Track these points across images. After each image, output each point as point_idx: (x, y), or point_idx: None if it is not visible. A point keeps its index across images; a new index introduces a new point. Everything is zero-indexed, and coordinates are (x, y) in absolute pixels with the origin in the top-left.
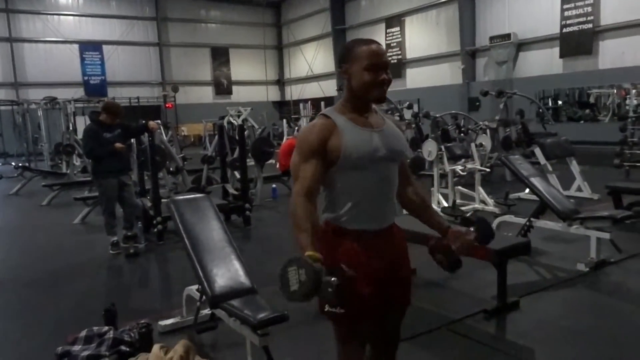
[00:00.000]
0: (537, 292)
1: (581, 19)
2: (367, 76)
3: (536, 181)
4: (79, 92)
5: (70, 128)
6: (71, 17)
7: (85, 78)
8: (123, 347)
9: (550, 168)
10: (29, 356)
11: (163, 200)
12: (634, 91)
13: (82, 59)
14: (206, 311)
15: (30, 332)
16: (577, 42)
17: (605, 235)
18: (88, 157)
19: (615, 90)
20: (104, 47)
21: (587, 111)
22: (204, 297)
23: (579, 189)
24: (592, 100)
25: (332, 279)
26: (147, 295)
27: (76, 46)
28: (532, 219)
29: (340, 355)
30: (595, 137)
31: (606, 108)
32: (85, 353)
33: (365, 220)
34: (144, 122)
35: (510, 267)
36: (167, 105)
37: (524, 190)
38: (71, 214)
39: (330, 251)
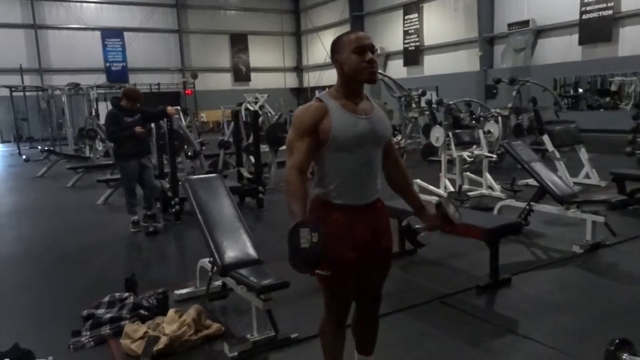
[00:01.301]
0: (530, 270)
1: (601, 5)
2: (356, 58)
3: (536, 166)
4: (101, 79)
5: (93, 113)
6: (93, 5)
7: (107, 64)
8: (142, 311)
9: (558, 155)
10: (57, 318)
11: (180, 182)
12: None
13: (104, 46)
14: (217, 282)
15: (58, 298)
16: (597, 29)
17: (600, 219)
18: (110, 140)
19: (636, 78)
20: (125, 33)
21: (608, 99)
22: (215, 268)
23: (587, 176)
24: (613, 88)
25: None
26: (164, 268)
27: (98, 33)
28: (531, 203)
29: (326, 311)
30: (615, 125)
31: (628, 96)
32: (108, 315)
33: (351, 196)
34: (162, 107)
35: (507, 248)
36: (186, 92)
37: (531, 178)
38: (94, 195)
39: (320, 221)
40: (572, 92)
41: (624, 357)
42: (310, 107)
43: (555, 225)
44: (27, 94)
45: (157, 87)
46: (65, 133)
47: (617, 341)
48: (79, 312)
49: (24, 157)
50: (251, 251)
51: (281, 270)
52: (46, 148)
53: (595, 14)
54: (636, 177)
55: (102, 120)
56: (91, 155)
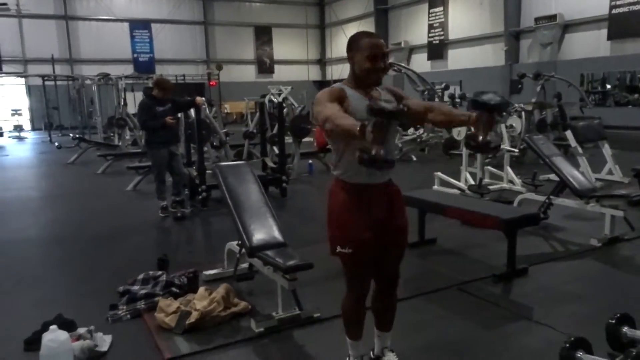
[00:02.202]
0: (547, 262)
1: (632, 0)
2: (368, 64)
3: (557, 160)
4: (129, 69)
5: (122, 103)
6: None
7: (135, 55)
8: (174, 289)
9: (580, 151)
10: (95, 293)
11: (207, 171)
12: None
13: (132, 37)
14: (244, 265)
15: (95, 275)
16: (627, 24)
17: (619, 213)
18: (142, 128)
19: None
20: (152, 25)
21: (637, 96)
22: (243, 250)
23: (610, 172)
24: None
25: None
26: (193, 250)
27: (126, 24)
28: (551, 196)
29: (348, 289)
30: None
31: None
32: (143, 291)
33: (365, 175)
34: (191, 98)
35: (526, 240)
36: (211, 83)
37: (552, 172)
38: (124, 181)
39: (338, 201)
40: (599, 88)
41: (624, 330)
42: (333, 88)
43: (574, 220)
44: (58, 83)
45: (182, 78)
46: (94, 122)
47: (618, 315)
48: (115, 288)
49: (56, 144)
50: (277, 234)
51: (305, 253)
52: (77, 136)
53: (625, 9)
54: None
55: (130, 110)
56: (120, 144)
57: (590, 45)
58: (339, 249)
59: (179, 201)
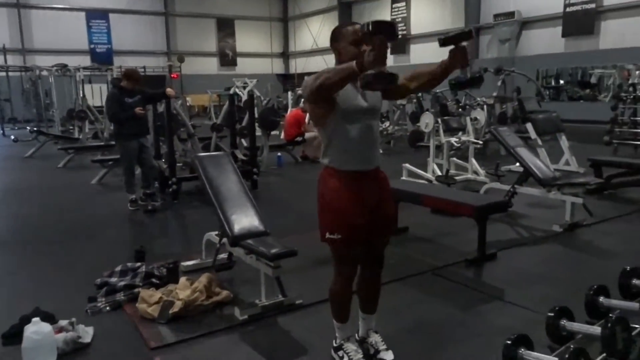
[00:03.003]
0: (514, 247)
1: None
2: (352, 49)
3: (521, 151)
4: (86, 60)
5: (82, 95)
6: None
7: (92, 46)
8: (154, 280)
9: (540, 142)
10: (71, 287)
11: (178, 164)
12: (637, 72)
13: (89, 27)
14: (222, 255)
15: (68, 269)
16: (580, 22)
17: (579, 201)
18: (111, 120)
19: (616, 71)
20: (111, 15)
21: (588, 91)
22: (223, 240)
23: (567, 163)
24: (593, 80)
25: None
26: (168, 242)
27: (83, 14)
28: (515, 185)
29: (336, 273)
30: (593, 116)
31: (607, 89)
32: (122, 283)
33: (354, 162)
34: (162, 89)
35: (493, 227)
36: (172, 76)
37: (514, 164)
38: (87, 175)
39: (328, 188)
40: (553, 84)
41: (600, 300)
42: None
43: (537, 207)
44: (10, 74)
45: (142, 70)
46: (52, 115)
47: (595, 287)
48: (91, 281)
49: (12, 137)
50: (258, 223)
51: (285, 242)
52: (35, 129)
53: (578, 7)
54: (612, 164)
55: (90, 102)
56: (80, 137)
57: (546, 41)
58: (328, 235)
59: (149, 194)
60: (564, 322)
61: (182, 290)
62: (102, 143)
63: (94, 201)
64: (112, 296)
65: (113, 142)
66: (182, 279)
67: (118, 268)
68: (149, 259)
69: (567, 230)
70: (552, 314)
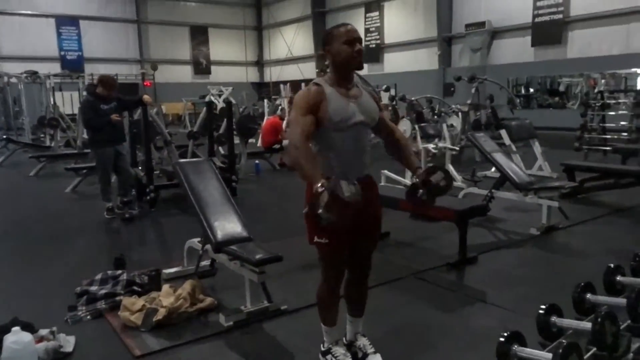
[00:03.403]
0: (494, 250)
1: (552, 9)
2: (347, 48)
3: (497, 156)
4: (56, 67)
5: (53, 102)
6: None
7: (62, 53)
8: (135, 287)
9: (514, 148)
10: (49, 296)
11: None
12: (603, 81)
13: (59, 34)
14: (204, 262)
15: (45, 278)
16: (548, 32)
17: (555, 204)
18: (86, 127)
19: (583, 79)
20: (81, 22)
21: (557, 99)
22: (205, 246)
23: (540, 168)
24: (562, 88)
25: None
26: (147, 250)
27: (52, 20)
28: (493, 190)
29: (324, 277)
30: (562, 123)
31: (575, 96)
32: (103, 291)
33: (345, 171)
34: (139, 95)
35: (472, 231)
36: (145, 84)
37: (490, 169)
38: (61, 183)
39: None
40: (523, 92)
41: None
42: (311, 90)
43: (513, 211)
44: None
45: (115, 77)
46: (22, 122)
47: (582, 284)
48: (69, 290)
49: None
50: (242, 230)
51: (269, 248)
52: (4, 137)
53: (546, 17)
54: (585, 168)
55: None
56: (52, 145)
57: (517, 51)
58: (316, 238)
59: (126, 202)
60: (554, 318)
61: (166, 298)
62: (75, 151)
63: (69, 210)
64: (92, 305)
65: (86, 150)
66: (165, 286)
67: (98, 276)
68: (129, 268)
69: (544, 233)
70: (543, 311)
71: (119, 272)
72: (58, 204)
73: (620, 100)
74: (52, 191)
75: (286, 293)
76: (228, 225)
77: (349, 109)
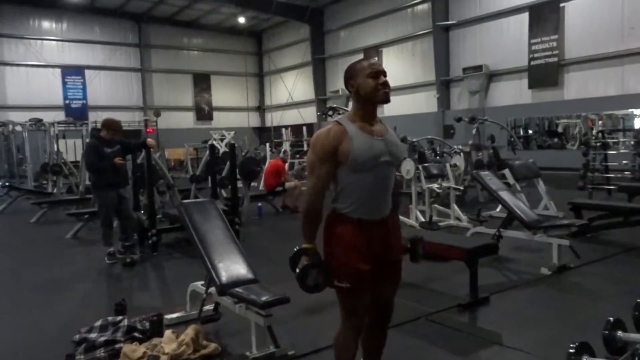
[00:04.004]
0: (505, 290)
1: (547, 53)
2: (371, 81)
3: (504, 195)
4: (60, 116)
5: (56, 149)
6: (54, 42)
7: (67, 102)
8: (136, 334)
9: (518, 188)
10: (47, 344)
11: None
12: (600, 122)
13: (64, 83)
14: (208, 307)
15: (43, 326)
16: (544, 74)
17: (565, 242)
18: (90, 170)
19: (581, 121)
20: (86, 71)
21: (556, 140)
22: (209, 289)
23: (546, 208)
24: (560, 129)
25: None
26: (149, 296)
27: (58, 70)
28: (500, 229)
29: (344, 324)
30: (562, 163)
31: (573, 137)
32: (102, 339)
33: (366, 212)
34: (142, 139)
35: (481, 271)
36: (148, 130)
37: (495, 209)
38: (62, 229)
39: (335, 234)
40: (522, 133)
41: (619, 334)
42: (331, 131)
43: (522, 251)
44: None
45: (118, 121)
46: (24, 169)
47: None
48: (68, 338)
49: None
50: (247, 271)
51: (275, 290)
52: (7, 184)
53: (542, 60)
54: (592, 207)
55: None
56: (54, 191)
57: (514, 93)
58: (336, 282)
59: (128, 246)
60: (585, 358)
61: (168, 344)
62: (77, 197)
63: (69, 255)
64: (91, 353)
65: (89, 196)
66: (168, 332)
67: (97, 323)
68: (130, 314)
69: (555, 273)
70: (573, 350)
71: (120, 318)
72: (58, 250)
73: (619, 140)
74: (52, 237)
75: (294, 337)
76: (233, 266)
77: (375, 147)
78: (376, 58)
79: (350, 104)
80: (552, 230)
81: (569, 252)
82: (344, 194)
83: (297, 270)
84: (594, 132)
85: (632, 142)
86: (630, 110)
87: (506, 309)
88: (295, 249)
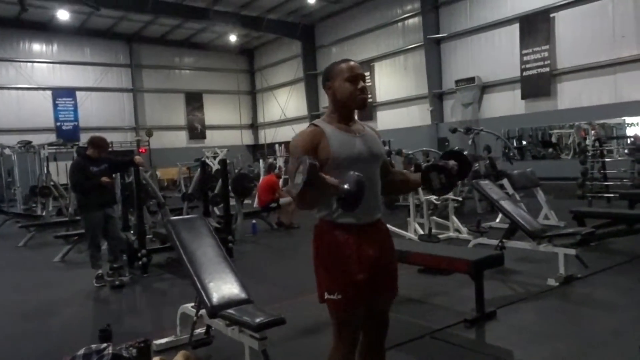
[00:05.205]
0: (512, 304)
1: (539, 63)
2: (349, 86)
3: (506, 204)
4: (51, 138)
5: (45, 171)
6: (45, 65)
7: (58, 124)
8: None
9: (518, 197)
10: None
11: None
12: (592, 131)
13: (55, 105)
14: (199, 330)
15: (24, 357)
16: (537, 84)
17: (571, 252)
18: (75, 190)
19: (574, 130)
20: (77, 92)
21: (550, 150)
22: (200, 311)
23: (546, 217)
24: (554, 140)
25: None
26: (137, 320)
27: (49, 92)
28: (503, 240)
29: (336, 340)
30: (558, 173)
31: (567, 147)
32: None
33: (353, 215)
34: (130, 157)
35: (485, 284)
36: (140, 150)
37: (494, 220)
38: (50, 252)
39: (325, 244)
40: (516, 144)
41: None
42: (305, 132)
43: (526, 262)
44: None
45: (105, 138)
46: (14, 193)
47: None
48: None
49: None
50: (240, 291)
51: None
52: None
53: (534, 71)
54: (595, 215)
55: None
56: (44, 214)
57: (507, 104)
58: (327, 295)
59: (116, 268)
60: None
61: None
62: (66, 219)
63: (56, 279)
64: None
65: (78, 217)
66: (156, 359)
67: (81, 352)
68: (117, 340)
69: (562, 284)
70: None
71: (104, 345)
72: (45, 273)
73: (613, 147)
74: (40, 261)
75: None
76: (224, 286)
77: (355, 143)
78: (368, 72)
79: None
80: (557, 240)
81: (575, 262)
82: (329, 199)
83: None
84: (591, 140)
85: (626, 151)
86: (622, 118)
87: (515, 324)
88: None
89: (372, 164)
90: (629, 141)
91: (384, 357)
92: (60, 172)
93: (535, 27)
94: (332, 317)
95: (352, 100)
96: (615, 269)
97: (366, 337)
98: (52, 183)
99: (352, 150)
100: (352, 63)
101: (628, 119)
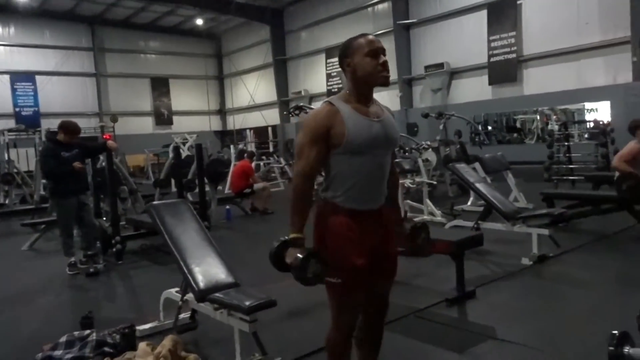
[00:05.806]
0: (490, 283)
1: (506, 49)
2: (370, 61)
3: (481, 186)
4: (10, 124)
5: (7, 158)
6: (2, 47)
7: (17, 109)
8: (107, 349)
9: (489, 181)
10: None
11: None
12: (554, 117)
13: (14, 90)
14: (184, 315)
15: (1, 346)
16: (504, 70)
17: (545, 232)
18: (47, 176)
19: (538, 116)
20: (38, 77)
21: (515, 135)
22: (185, 296)
23: (516, 200)
24: (518, 125)
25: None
26: (116, 307)
27: (7, 76)
28: (479, 221)
29: (335, 322)
30: (523, 157)
31: (531, 132)
32: (69, 356)
33: (360, 201)
34: (102, 141)
35: (464, 264)
36: (105, 136)
37: (466, 203)
38: (17, 241)
39: (327, 226)
40: (481, 129)
41: (625, 350)
42: (321, 111)
43: (501, 243)
44: None
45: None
46: None
47: (617, 335)
48: (31, 357)
49: None
50: (227, 274)
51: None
52: None
53: (501, 57)
54: (564, 196)
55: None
56: (7, 202)
57: (475, 90)
58: (327, 278)
59: (91, 255)
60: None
61: (143, 358)
62: (32, 206)
63: (26, 268)
64: None
65: (45, 205)
66: (142, 344)
67: (63, 339)
68: (98, 327)
69: (536, 263)
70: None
71: (87, 332)
72: (14, 262)
73: (575, 132)
74: (7, 250)
75: (280, 343)
76: (211, 270)
77: (373, 129)
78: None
79: (314, 103)
80: (530, 221)
81: (547, 241)
82: (336, 181)
83: (293, 261)
84: (554, 125)
85: (586, 135)
86: (583, 104)
87: (494, 302)
88: (281, 239)
89: (386, 151)
90: (589, 125)
91: (382, 334)
92: (21, 159)
93: (502, 14)
94: (331, 300)
95: (374, 77)
96: (585, 248)
97: (366, 318)
98: (15, 170)
99: (368, 135)
100: (370, 37)
101: (588, 105)
